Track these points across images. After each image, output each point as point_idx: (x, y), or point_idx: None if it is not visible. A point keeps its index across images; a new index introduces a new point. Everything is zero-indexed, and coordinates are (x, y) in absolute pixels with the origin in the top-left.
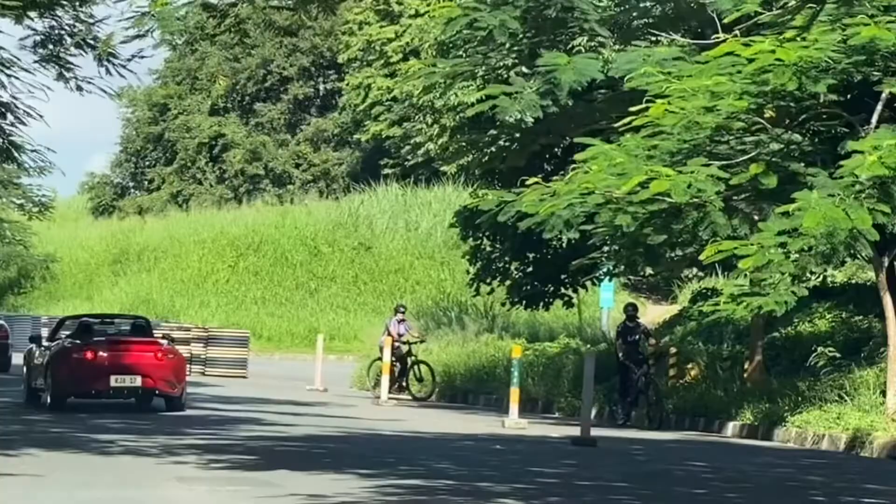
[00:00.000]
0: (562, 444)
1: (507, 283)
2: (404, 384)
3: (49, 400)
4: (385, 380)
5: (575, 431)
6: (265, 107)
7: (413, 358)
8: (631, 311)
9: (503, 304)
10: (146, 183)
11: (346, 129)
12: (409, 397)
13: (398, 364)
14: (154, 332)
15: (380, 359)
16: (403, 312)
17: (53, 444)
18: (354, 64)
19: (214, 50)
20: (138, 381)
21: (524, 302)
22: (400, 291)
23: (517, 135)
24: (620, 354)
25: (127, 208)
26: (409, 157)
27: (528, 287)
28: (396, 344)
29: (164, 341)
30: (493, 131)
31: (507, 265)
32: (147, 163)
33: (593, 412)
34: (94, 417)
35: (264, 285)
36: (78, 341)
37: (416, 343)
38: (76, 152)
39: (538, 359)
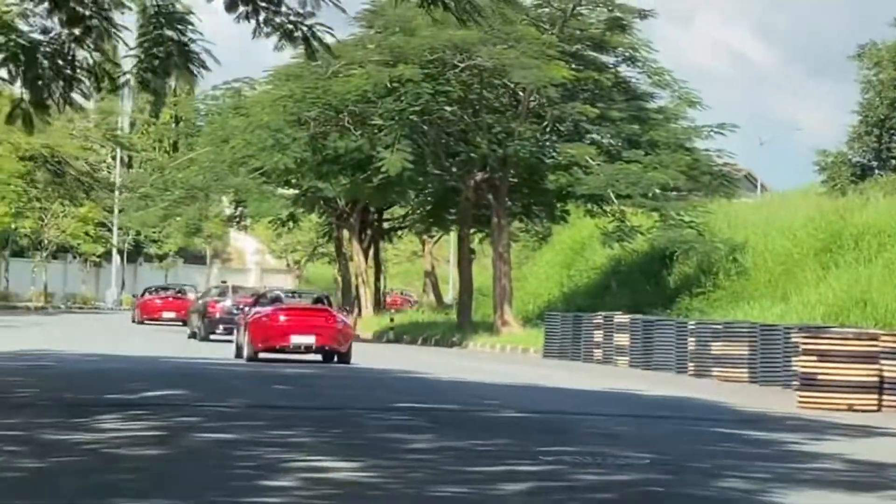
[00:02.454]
0: None
1: None
2: None
3: (245, 353)
4: None
5: None
6: None
7: None
8: None
9: None
10: (893, 161)
11: None
12: None
13: None
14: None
15: None
16: None
17: None
18: None
19: None
20: (312, 339)
21: None
22: None
23: None
24: None
25: (869, 191)
26: None
27: None
28: None
29: (335, 310)
30: None
31: None
32: (892, 135)
33: None
34: None
35: None
36: (268, 309)
37: None
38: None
39: None
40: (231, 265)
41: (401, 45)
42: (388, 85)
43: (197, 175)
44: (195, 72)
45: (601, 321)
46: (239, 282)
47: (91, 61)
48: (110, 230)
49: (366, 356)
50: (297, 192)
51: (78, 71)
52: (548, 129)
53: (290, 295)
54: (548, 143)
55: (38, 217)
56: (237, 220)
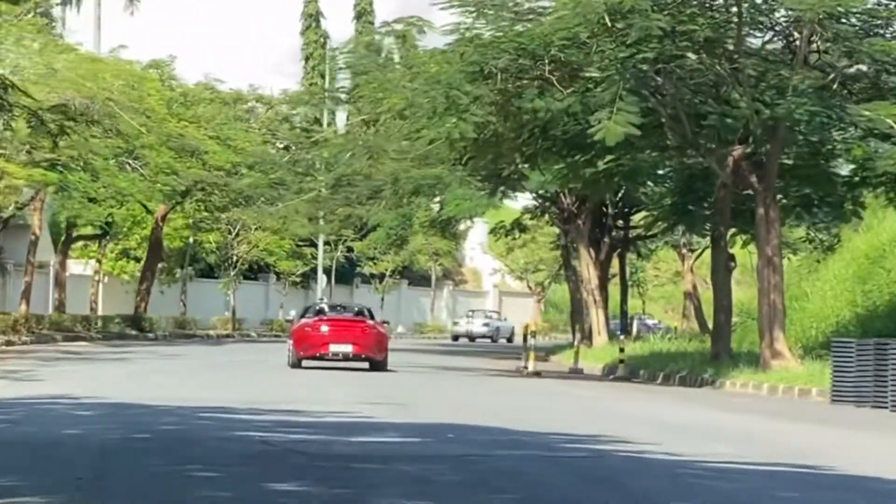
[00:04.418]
0: None
1: None
2: None
3: (290, 360)
4: None
5: None
6: None
7: None
8: None
9: None
10: None
11: None
12: None
13: None
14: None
15: None
16: None
17: None
18: None
19: None
20: (349, 347)
21: None
22: None
23: None
24: None
25: None
26: None
27: None
28: None
29: (371, 320)
30: None
31: None
32: None
33: None
34: None
35: None
36: (310, 319)
37: None
38: None
39: None
40: (465, 287)
41: None
42: (608, 22)
43: (342, 153)
44: None
45: None
46: (476, 306)
47: None
48: (315, 245)
49: (554, 404)
50: (492, 183)
51: None
52: (834, 85)
53: (334, 307)
54: (836, 106)
55: (226, 230)
56: (440, 225)
